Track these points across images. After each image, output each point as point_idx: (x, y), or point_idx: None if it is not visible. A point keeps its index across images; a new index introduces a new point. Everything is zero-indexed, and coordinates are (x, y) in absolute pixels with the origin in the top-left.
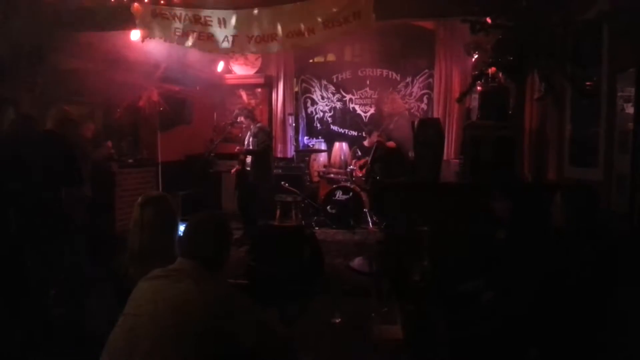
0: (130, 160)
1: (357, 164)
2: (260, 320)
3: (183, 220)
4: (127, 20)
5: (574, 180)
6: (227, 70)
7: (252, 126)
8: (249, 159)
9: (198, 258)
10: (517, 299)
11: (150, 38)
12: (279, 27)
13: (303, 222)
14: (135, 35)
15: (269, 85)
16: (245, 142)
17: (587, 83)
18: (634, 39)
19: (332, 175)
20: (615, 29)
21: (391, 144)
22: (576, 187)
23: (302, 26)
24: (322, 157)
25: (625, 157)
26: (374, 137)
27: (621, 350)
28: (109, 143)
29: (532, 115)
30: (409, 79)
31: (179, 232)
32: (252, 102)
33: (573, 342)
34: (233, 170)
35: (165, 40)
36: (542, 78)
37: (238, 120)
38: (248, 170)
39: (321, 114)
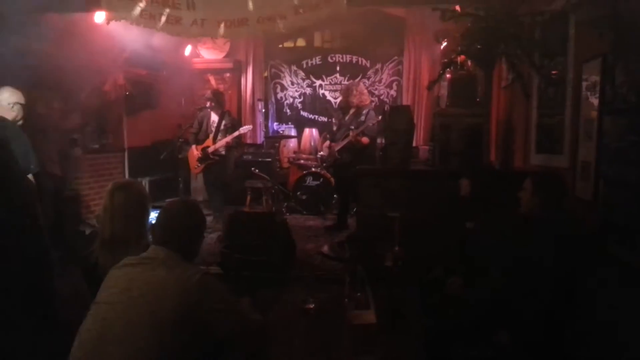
0: (95, 146)
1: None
2: (233, 307)
3: (153, 208)
4: (91, 2)
5: (541, 167)
6: (195, 54)
7: (220, 112)
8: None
9: (171, 246)
10: (487, 285)
11: (115, 20)
12: (250, 12)
13: (274, 208)
14: (99, 17)
15: (238, 70)
16: (212, 127)
17: (553, 72)
18: (599, 30)
19: (302, 162)
20: (581, 19)
21: (365, 140)
22: (543, 174)
23: (274, 11)
24: (292, 143)
25: (589, 144)
26: (352, 136)
27: (589, 333)
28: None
29: (500, 103)
30: (378, 66)
31: (151, 219)
32: (221, 87)
33: (542, 326)
34: (198, 170)
35: (131, 23)
36: (509, 66)
37: (208, 105)
38: (220, 159)
39: (291, 99)
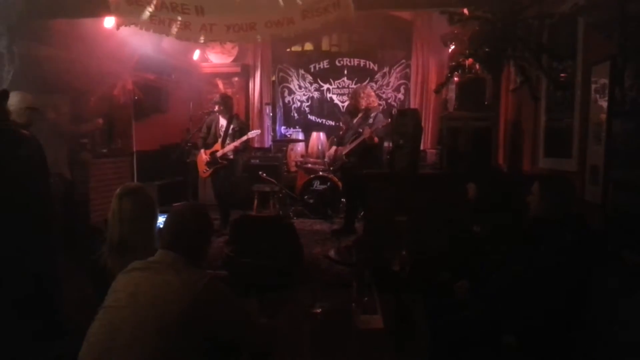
0: (104, 150)
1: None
2: (240, 312)
3: (161, 212)
4: (101, 7)
5: (549, 171)
6: (203, 58)
7: (229, 116)
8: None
9: (178, 250)
10: (494, 289)
11: (125, 25)
12: (258, 17)
13: (281, 212)
14: (109, 22)
15: (245, 74)
16: (220, 131)
17: (562, 75)
18: (607, 32)
19: (309, 165)
20: (590, 22)
21: (376, 139)
22: (552, 178)
23: (281, 16)
24: (300, 147)
25: (598, 148)
26: (367, 133)
27: (596, 336)
28: (100, 120)
29: (508, 106)
30: (386, 69)
31: (159, 224)
32: (229, 91)
33: (549, 330)
34: (206, 175)
35: (140, 28)
36: (517, 69)
37: (216, 109)
38: (228, 163)
39: (298, 103)
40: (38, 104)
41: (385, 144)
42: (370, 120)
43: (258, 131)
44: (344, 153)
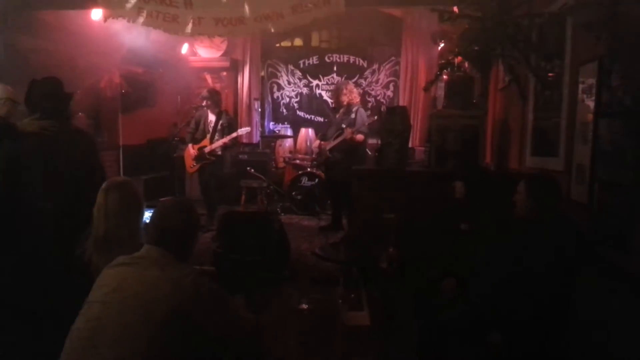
0: None
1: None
2: (227, 308)
3: (147, 207)
4: None
5: (536, 170)
6: (192, 52)
7: (217, 111)
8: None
9: (165, 245)
10: (480, 287)
11: (112, 18)
12: (247, 11)
13: (268, 207)
14: (96, 14)
15: (234, 69)
16: (209, 126)
17: (550, 74)
18: (596, 33)
19: (297, 162)
20: (579, 22)
21: (360, 137)
22: (538, 177)
23: (271, 10)
24: (288, 143)
25: (585, 147)
26: (348, 134)
27: (581, 336)
28: (81, 115)
29: (496, 105)
30: (375, 66)
31: (145, 218)
32: (217, 85)
33: (535, 329)
34: (194, 170)
35: (128, 21)
36: (506, 68)
37: (204, 104)
38: (216, 159)
39: (287, 99)
40: (22, 97)
41: (374, 140)
42: (352, 115)
43: (248, 128)
44: (327, 148)
